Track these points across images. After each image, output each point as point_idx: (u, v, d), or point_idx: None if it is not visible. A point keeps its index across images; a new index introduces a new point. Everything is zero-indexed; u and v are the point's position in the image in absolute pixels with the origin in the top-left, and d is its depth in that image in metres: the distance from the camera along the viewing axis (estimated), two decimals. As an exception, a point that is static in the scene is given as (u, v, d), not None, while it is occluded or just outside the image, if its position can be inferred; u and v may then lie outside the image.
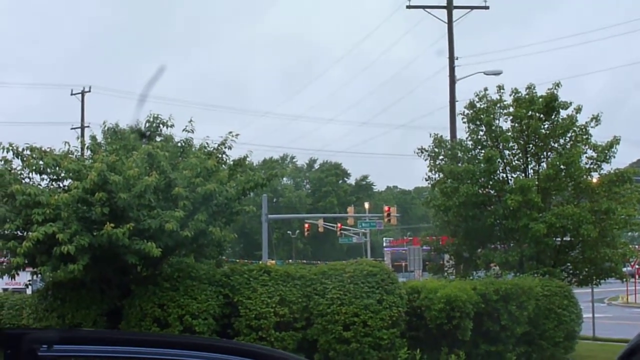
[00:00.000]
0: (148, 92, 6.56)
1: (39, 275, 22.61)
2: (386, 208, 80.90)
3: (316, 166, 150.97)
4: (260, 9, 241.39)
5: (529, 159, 30.50)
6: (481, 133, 31.03)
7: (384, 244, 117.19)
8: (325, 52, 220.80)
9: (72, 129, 74.29)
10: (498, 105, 30.86)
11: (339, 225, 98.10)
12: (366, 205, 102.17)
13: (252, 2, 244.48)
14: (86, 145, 24.75)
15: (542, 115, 29.91)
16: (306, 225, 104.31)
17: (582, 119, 30.09)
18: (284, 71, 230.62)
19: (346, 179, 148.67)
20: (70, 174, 21.12)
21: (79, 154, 23.85)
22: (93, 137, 25.19)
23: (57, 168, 21.48)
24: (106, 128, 24.64)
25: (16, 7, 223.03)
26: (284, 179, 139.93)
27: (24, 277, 25.29)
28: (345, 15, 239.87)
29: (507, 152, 30.73)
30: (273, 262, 70.95)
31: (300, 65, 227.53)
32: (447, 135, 37.26)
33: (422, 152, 31.68)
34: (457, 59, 44.73)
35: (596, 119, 29.83)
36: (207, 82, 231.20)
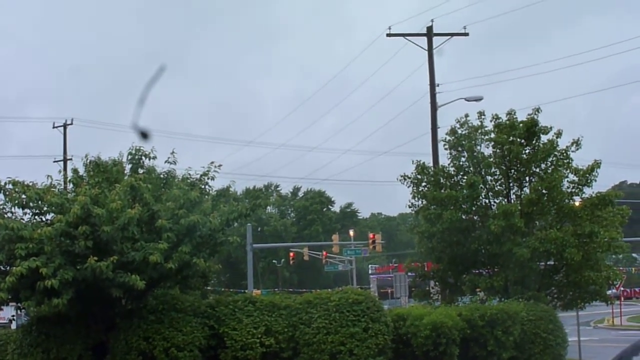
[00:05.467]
0: (147, 93, 6.55)
1: (23, 310, 22.52)
2: (371, 235, 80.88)
3: (300, 194, 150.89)
4: (261, 36, 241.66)
5: (511, 184, 30.58)
6: (463, 159, 31.13)
7: (370, 271, 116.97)
8: (316, 81, 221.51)
9: (54, 161, 74.05)
10: (479, 131, 31.00)
11: (324, 253, 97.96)
12: (351, 232, 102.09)
13: (245, 34, 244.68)
14: (68, 179, 24.73)
15: (523, 141, 30.03)
16: (291, 254, 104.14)
17: (563, 143, 30.25)
18: (274, 100, 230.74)
19: (331, 207, 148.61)
20: (53, 208, 21.14)
21: (62, 187, 23.83)
22: (75, 170, 25.17)
23: (40, 202, 21.47)
24: (88, 161, 24.60)
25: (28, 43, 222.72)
26: (269, 207, 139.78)
27: (7, 312, 25.18)
28: (340, 45, 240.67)
29: (489, 177, 30.80)
30: (258, 291, 70.87)
31: (290, 94, 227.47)
32: (429, 162, 37.41)
33: (405, 179, 31.72)
34: (438, 85, 44.97)
35: (577, 143, 29.95)
36: (195, 113, 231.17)
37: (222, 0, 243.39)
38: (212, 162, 24.53)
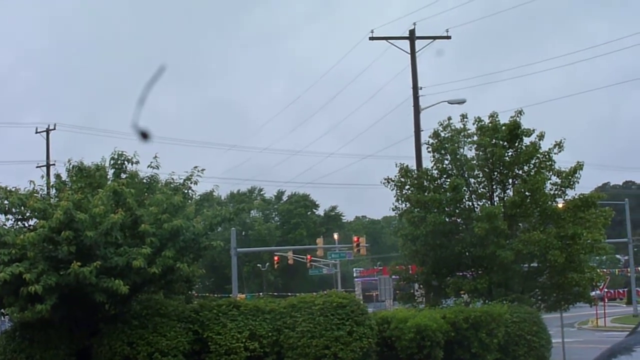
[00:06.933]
0: (147, 94, 6.56)
1: (7, 316, 22.41)
2: (355, 238, 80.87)
3: (284, 198, 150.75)
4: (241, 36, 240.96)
5: (494, 187, 30.68)
6: (446, 162, 31.21)
7: (355, 275, 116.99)
8: (310, 85, 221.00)
9: (37, 167, 73.77)
10: (462, 134, 31.08)
11: (308, 257, 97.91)
12: (335, 236, 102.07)
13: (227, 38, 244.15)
14: (51, 184, 24.65)
15: (505, 143, 30.14)
16: (275, 258, 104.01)
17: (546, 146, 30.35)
18: (266, 104, 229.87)
19: (315, 210, 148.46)
20: (36, 213, 21.08)
21: (45, 192, 23.75)
22: (58, 176, 25.10)
23: (23, 207, 21.41)
24: (71, 166, 24.53)
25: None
26: (253, 211, 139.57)
27: (-10, 318, 25.04)
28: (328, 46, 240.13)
29: (472, 180, 30.91)
30: (243, 296, 70.75)
31: (283, 97, 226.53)
32: (413, 165, 37.49)
33: (388, 183, 31.75)
34: (421, 88, 45.06)
35: (559, 145, 30.07)
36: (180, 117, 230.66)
37: (211, 6, 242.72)
38: (196, 167, 24.51)
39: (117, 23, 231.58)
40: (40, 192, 23.17)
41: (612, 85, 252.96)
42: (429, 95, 49.78)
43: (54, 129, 77.69)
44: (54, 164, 70.14)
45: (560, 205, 30.18)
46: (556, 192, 30.10)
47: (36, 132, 77.78)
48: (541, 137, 30.21)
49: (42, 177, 26.61)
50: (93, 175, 23.96)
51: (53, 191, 24.44)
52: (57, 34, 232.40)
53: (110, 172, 24.43)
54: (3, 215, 21.79)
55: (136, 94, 6.69)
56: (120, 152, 24.30)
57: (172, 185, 24.24)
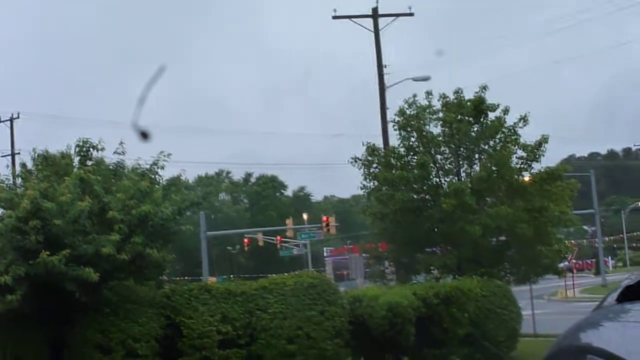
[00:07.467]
0: (147, 93, 6.55)
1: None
2: (324, 218, 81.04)
3: (252, 180, 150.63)
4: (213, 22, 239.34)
5: (461, 162, 30.81)
6: (413, 139, 31.27)
7: (325, 254, 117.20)
8: (269, 64, 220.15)
9: (2, 156, 73.14)
10: (427, 110, 31.15)
11: (278, 238, 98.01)
12: (305, 216, 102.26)
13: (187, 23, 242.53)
14: (17, 174, 24.44)
15: (471, 119, 30.26)
16: (246, 240, 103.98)
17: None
18: (226, 86, 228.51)
19: (284, 191, 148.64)
20: (2, 203, 20.90)
21: (11, 182, 23.55)
22: (23, 165, 24.89)
23: (-12, 198, 21.23)
24: (36, 155, 24.31)
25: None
26: (222, 194, 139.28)
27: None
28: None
29: (439, 156, 31.02)
30: (214, 279, 70.69)
31: (243, 79, 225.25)
32: (380, 143, 37.56)
33: (355, 162, 31.80)
34: (385, 66, 45.13)
35: (524, 119, 30.24)
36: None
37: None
38: (162, 152, 24.35)
39: (85, 12, 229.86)
40: (6, 182, 22.98)
41: (577, 57, 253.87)
42: (400, 73, 49.47)
43: (18, 117, 77.02)
44: (18, 153, 69.59)
45: (526, 179, 30.39)
46: (522, 165, 30.30)
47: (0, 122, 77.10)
48: (506, 111, 30.37)
49: (7, 166, 26.39)
50: (59, 163, 23.76)
51: (19, 181, 24.23)
52: (25, 24, 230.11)
53: (76, 159, 24.23)
54: (-32, 206, 21.61)
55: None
56: (85, 139, 24.10)
57: (138, 171, 24.08)
